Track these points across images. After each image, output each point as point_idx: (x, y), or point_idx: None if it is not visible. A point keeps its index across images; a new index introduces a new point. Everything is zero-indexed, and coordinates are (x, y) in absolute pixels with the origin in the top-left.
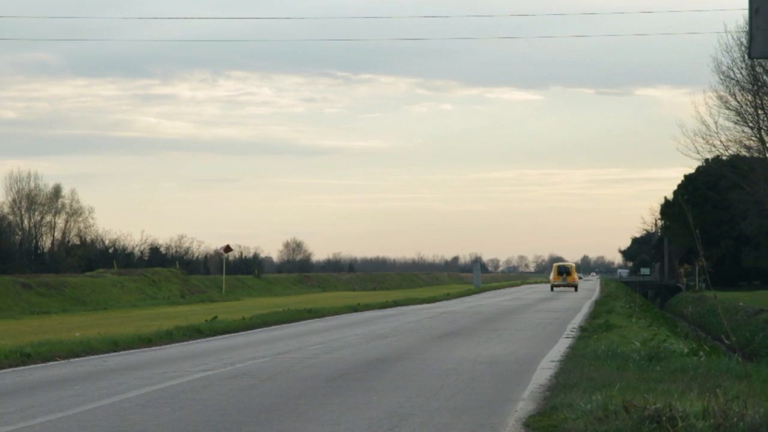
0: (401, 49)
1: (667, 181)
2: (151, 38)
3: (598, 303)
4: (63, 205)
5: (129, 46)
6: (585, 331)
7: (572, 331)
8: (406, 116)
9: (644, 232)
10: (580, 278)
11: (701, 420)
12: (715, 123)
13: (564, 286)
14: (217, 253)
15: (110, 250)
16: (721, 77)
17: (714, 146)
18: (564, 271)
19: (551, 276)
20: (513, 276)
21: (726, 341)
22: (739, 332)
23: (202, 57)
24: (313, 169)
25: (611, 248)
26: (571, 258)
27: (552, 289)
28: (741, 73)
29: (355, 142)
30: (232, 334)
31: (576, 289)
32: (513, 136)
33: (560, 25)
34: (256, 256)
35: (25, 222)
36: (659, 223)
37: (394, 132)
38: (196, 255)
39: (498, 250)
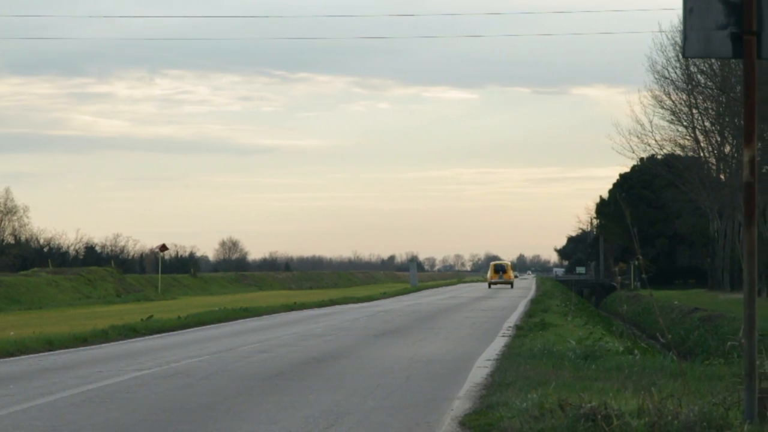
0: (338, 48)
1: (603, 179)
2: (86, 36)
3: (533, 302)
4: None
5: (65, 45)
6: (521, 330)
7: (508, 330)
8: (343, 115)
9: (580, 230)
10: (516, 276)
11: (636, 418)
12: (650, 122)
13: (501, 283)
14: (153, 252)
15: (45, 249)
16: (656, 76)
17: (649, 145)
18: (500, 269)
19: (489, 274)
20: (449, 275)
21: (661, 339)
22: (673, 330)
23: (139, 55)
24: (249, 168)
25: (547, 247)
26: (507, 257)
27: (489, 286)
28: (675, 72)
29: (292, 141)
30: (168, 333)
31: (512, 286)
32: (450, 136)
33: (496, 25)
34: (192, 255)
35: None
36: (595, 221)
37: (330, 131)
38: (131, 254)
39: (434, 249)
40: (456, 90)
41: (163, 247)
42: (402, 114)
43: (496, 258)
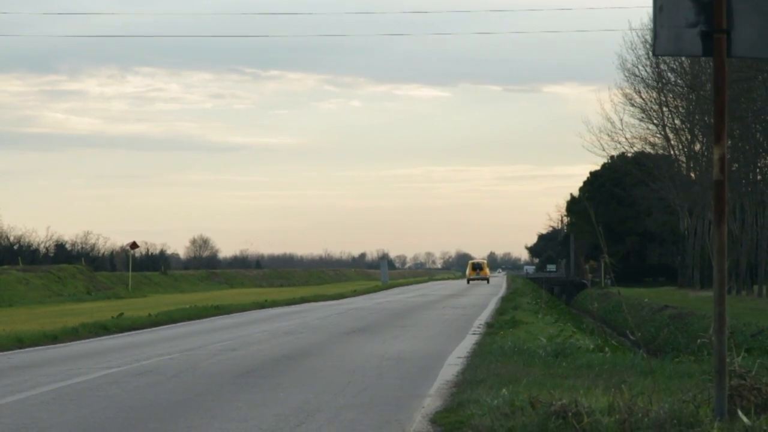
0: (310, 45)
1: (573, 177)
2: (57, 34)
3: (504, 299)
4: None
5: (35, 42)
6: (492, 328)
7: (479, 328)
8: (315, 113)
9: (550, 228)
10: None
11: (607, 415)
12: (621, 120)
13: (478, 279)
14: (123, 249)
15: (15, 247)
16: (626, 74)
17: (619, 143)
18: (477, 266)
19: (467, 271)
20: (420, 272)
21: (631, 337)
22: (644, 328)
23: (110, 53)
24: (221, 166)
25: (518, 245)
26: (479, 254)
27: (468, 282)
28: (646, 70)
29: (264, 139)
30: (139, 331)
31: (488, 282)
32: (421, 133)
33: (468, 23)
34: (162, 253)
35: None
36: (565, 219)
37: (302, 128)
38: (102, 251)
39: (405, 247)
40: (427, 88)
41: (134, 245)
42: (373, 112)
43: (467, 255)
